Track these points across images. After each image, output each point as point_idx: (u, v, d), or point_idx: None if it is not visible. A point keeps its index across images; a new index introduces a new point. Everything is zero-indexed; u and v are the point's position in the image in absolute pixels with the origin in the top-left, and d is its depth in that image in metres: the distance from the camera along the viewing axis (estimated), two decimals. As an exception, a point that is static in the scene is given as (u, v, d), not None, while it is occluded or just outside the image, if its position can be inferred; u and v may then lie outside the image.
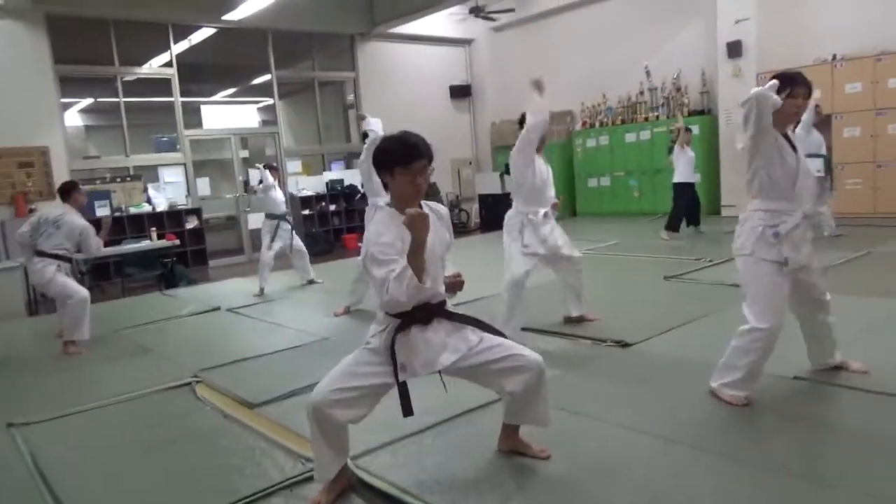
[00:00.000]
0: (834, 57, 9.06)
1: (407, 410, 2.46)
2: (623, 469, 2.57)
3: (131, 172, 9.98)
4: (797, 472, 2.43)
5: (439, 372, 2.51)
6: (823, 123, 8.90)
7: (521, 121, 4.42)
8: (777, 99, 2.80)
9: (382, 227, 2.36)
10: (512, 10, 12.00)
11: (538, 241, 4.40)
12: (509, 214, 4.53)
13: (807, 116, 6.93)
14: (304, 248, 7.49)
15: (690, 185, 8.37)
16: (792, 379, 3.33)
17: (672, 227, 8.37)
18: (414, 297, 2.26)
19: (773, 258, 2.93)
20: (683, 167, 8.27)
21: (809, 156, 7.09)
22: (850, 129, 8.90)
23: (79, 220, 5.33)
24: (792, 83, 2.92)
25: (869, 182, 8.84)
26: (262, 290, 7.08)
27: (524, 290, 4.35)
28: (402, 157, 2.36)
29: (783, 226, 2.92)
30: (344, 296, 6.02)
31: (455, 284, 2.57)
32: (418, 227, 2.19)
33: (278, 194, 7.36)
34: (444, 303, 2.52)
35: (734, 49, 9.80)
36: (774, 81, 2.85)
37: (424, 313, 2.43)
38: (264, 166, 7.47)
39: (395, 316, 2.42)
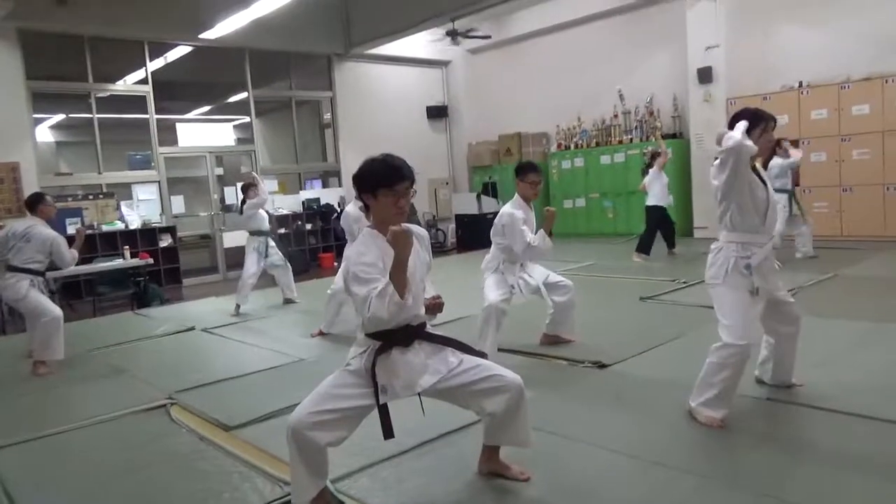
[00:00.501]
0: (800, 84, 9.35)
1: (388, 433, 2.46)
2: (602, 490, 2.60)
3: (104, 190, 9.86)
4: (772, 493, 2.47)
5: (419, 394, 2.52)
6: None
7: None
8: (754, 147, 2.94)
9: (364, 247, 2.39)
10: (488, 38, 12.18)
11: (520, 280, 4.47)
12: (487, 258, 4.60)
13: (783, 161, 7.33)
14: (288, 264, 7.48)
15: (662, 209, 8.54)
16: (766, 400, 3.40)
17: (643, 249, 8.51)
18: (395, 315, 2.27)
19: (746, 288, 3.07)
20: (658, 190, 8.44)
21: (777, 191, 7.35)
22: (817, 155, 9.16)
23: (48, 231, 5.25)
24: (763, 121, 3.09)
25: (835, 206, 9.09)
26: (238, 307, 7.03)
27: (502, 315, 4.37)
28: (385, 178, 2.40)
29: (754, 258, 3.07)
30: (320, 316, 5.99)
31: (435, 306, 2.59)
32: (401, 243, 2.22)
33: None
34: (424, 324, 2.54)
35: (705, 75, 10.06)
36: (744, 123, 2.97)
37: (405, 335, 2.45)
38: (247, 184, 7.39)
39: (375, 337, 2.43)
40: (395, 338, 2.42)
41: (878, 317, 4.88)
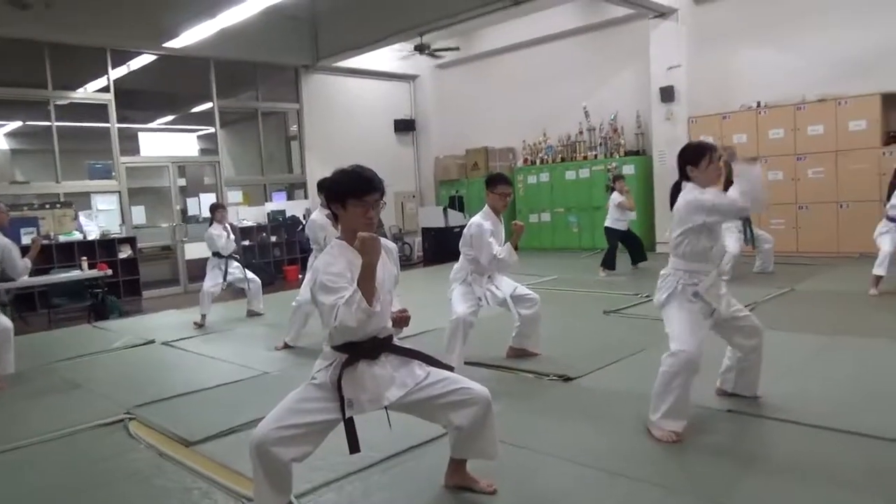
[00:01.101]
0: (758, 104, 9.63)
1: (353, 447, 2.44)
2: (567, 502, 2.60)
3: (62, 199, 9.61)
4: (731, 503, 2.51)
5: (385, 407, 2.50)
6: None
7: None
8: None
9: (332, 257, 2.38)
10: (456, 49, 12.28)
11: (487, 292, 4.51)
12: (455, 268, 4.63)
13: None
14: (258, 279, 7.45)
15: (616, 231, 8.74)
16: (727, 412, 3.46)
17: (607, 264, 8.67)
18: (363, 323, 2.24)
19: (697, 310, 3.20)
20: (616, 214, 8.67)
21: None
22: (774, 173, 9.42)
23: (0, 238, 5.08)
24: (707, 152, 3.25)
25: (791, 223, 9.36)
26: (203, 317, 6.95)
27: (469, 328, 4.38)
28: (355, 189, 2.39)
29: (701, 285, 3.20)
30: (285, 328, 5.91)
31: (401, 320, 2.57)
32: (369, 249, 2.22)
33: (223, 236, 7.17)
34: (391, 337, 2.53)
35: (667, 94, 10.29)
36: (737, 187, 3.16)
37: (372, 347, 2.43)
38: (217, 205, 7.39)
39: (342, 350, 2.41)
40: (361, 350, 2.40)
41: (834, 330, 5.03)
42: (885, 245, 6.28)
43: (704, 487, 2.65)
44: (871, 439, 2.99)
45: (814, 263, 8.39)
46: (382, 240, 2.49)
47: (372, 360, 2.43)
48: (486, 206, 4.51)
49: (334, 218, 2.50)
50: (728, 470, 2.82)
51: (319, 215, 5.50)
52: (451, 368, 2.68)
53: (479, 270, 4.50)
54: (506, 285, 4.62)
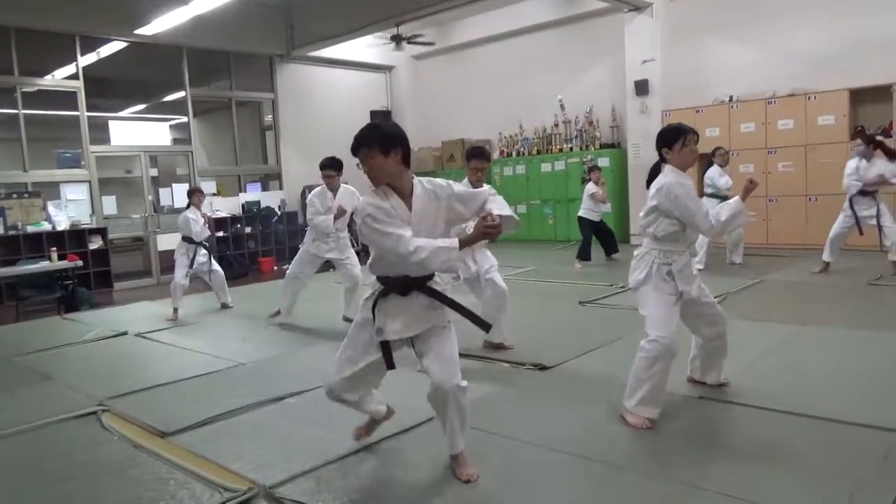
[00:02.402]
0: (730, 98, 9.77)
1: (389, 365, 2.71)
2: (544, 487, 2.64)
3: (29, 189, 9.40)
4: (707, 486, 2.57)
5: (411, 340, 2.72)
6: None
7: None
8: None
9: (379, 199, 2.58)
10: (432, 44, 12.24)
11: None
12: None
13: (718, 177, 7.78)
14: (220, 271, 7.33)
15: (593, 221, 8.82)
16: (698, 398, 3.53)
17: (582, 255, 8.74)
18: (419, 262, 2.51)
19: (669, 291, 3.24)
20: (589, 204, 8.76)
21: (710, 195, 7.63)
22: (745, 166, 9.58)
23: None
24: (683, 134, 3.28)
25: (762, 215, 9.52)
26: (175, 310, 6.82)
27: None
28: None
29: (675, 264, 3.26)
30: (259, 320, 5.95)
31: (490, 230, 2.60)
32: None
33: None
34: (425, 279, 2.66)
35: (641, 87, 10.39)
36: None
37: (402, 284, 2.64)
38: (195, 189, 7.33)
39: (380, 280, 2.69)
40: (393, 285, 2.65)
41: (802, 319, 5.15)
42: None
43: (676, 472, 2.71)
44: (837, 423, 3.08)
45: (783, 255, 8.57)
46: (429, 182, 2.69)
47: (401, 296, 2.64)
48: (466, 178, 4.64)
49: (405, 163, 2.62)
50: (700, 455, 2.88)
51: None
52: (488, 326, 2.84)
53: None
54: (483, 261, 4.67)
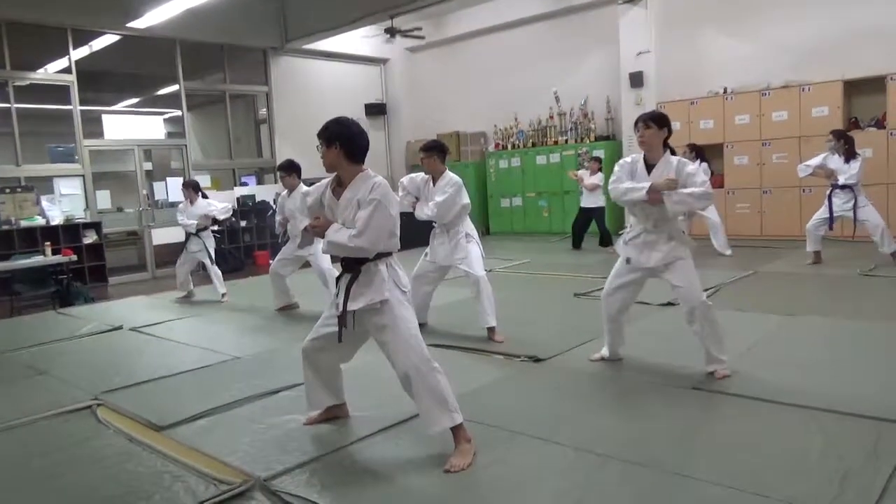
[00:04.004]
0: (725, 90, 9.78)
1: (339, 338, 2.98)
2: (538, 478, 2.66)
3: (22, 183, 9.36)
4: (699, 476, 2.59)
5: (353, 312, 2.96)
6: (716, 152, 9.62)
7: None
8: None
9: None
10: (422, 38, 12.19)
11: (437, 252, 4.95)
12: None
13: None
14: (207, 258, 7.40)
15: (587, 209, 9.22)
16: (691, 389, 3.56)
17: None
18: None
19: (624, 255, 3.88)
20: (585, 193, 9.23)
21: None
22: (740, 158, 9.61)
23: None
24: (636, 122, 3.75)
25: (756, 207, 9.56)
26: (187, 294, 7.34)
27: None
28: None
29: (627, 235, 3.89)
30: (254, 314, 5.97)
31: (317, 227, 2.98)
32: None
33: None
34: (360, 261, 2.92)
35: (636, 79, 10.39)
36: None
37: (346, 263, 2.97)
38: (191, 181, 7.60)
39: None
40: (345, 264, 2.99)
41: (793, 310, 5.17)
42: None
43: (667, 461, 2.73)
44: (827, 413, 3.11)
45: (777, 246, 8.60)
46: (377, 182, 2.97)
47: (350, 275, 2.94)
48: None
49: (348, 158, 2.95)
50: (690, 445, 2.91)
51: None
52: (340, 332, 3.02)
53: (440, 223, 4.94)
54: (453, 251, 4.88)
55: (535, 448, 2.95)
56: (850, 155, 6.88)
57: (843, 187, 6.93)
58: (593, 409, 3.38)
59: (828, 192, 7.09)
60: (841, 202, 6.97)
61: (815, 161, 7.10)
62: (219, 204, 7.46)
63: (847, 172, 6.84)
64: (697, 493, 2.49)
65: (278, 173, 6.31)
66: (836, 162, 6.95)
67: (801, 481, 2.50)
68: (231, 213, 7.53)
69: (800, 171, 7.21)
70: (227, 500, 2.62)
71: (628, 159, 3.85)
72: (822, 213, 7.09)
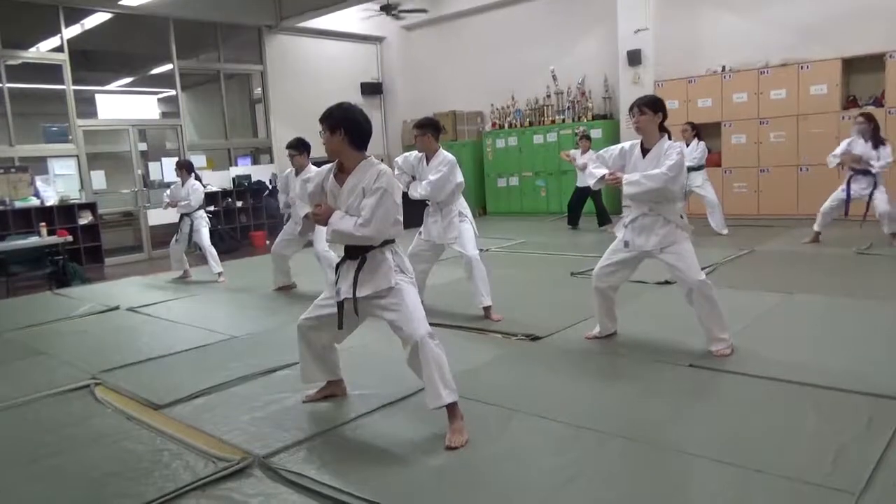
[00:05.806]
0: (723, 68, 9.72)
1: (339, 325, 3.01)
2: (536, 455, 2.68)
3: (16, 163, 9.29)
4: (695, 452, 2.62)
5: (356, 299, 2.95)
6: (714, 131, 9.58)
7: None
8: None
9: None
10: (424, 11, 12.07)
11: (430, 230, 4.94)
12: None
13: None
14: (200, 238, 7.43)
15: (582, 189, 9.15)
16: (688, 367, 3.57)
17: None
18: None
19: (622, 237, 3.92)
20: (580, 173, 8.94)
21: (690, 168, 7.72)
22: (737, 137, 9.57)
23: None
24: (631, 108, 3.84)
25: (753, 186, 9.55)
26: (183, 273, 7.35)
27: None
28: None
29: (626, 218, 3.93)
30: (251, 294, 5.96)
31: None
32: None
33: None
34: (364, 248, 2.92)
35: (634, 57, 10.30)
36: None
37: (348, 251, 2.99)
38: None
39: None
40: (346, 252, 3.00)
41: (790, 288, 5.18)
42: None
43: (665, 438, 2.75)
44: (822, 389, 3.13)
45: (774, 225, 8.60)
46: (380, 170, 2.98)
47: (352, 261, 2.95)
48: None
49: (351, 144, 2.95)
50: (688, 421, 2.92)
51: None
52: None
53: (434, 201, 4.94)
54: (446, 230, 4.88)
55: (532, 425, 2.96)
56: (877, 140, 6.66)
57: (866, 173, 6.72)
58: (591, 387, 3.40)
59: (847, 176, 6.88)
60: (860, 187, 6.78)
61: (839, 149, 6.85)
62: (193, 196, 7.29)
63: (884, 159, 6.59)
64: (694, 468, 2.51)
65: (288, 151, 6.07)
66: (861, 147, 6.70)
67: (797, 456, 2.52)
68: (195, 209, 7.34)
69: (829, 163, 6.93)
70: (226, 478, 2.63)
71: (626, 145, 3.91)
72: (839, 195, 6.90)
